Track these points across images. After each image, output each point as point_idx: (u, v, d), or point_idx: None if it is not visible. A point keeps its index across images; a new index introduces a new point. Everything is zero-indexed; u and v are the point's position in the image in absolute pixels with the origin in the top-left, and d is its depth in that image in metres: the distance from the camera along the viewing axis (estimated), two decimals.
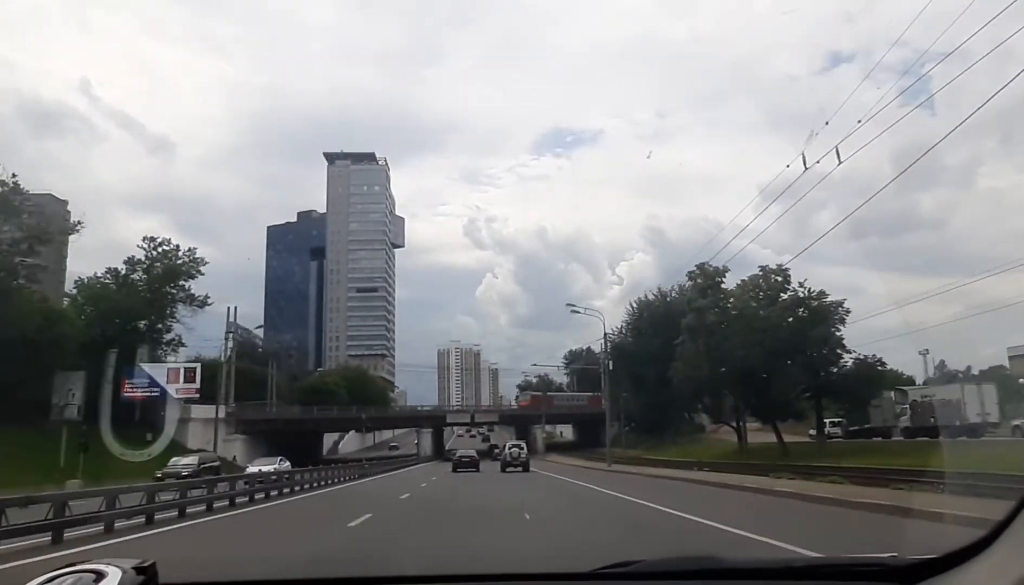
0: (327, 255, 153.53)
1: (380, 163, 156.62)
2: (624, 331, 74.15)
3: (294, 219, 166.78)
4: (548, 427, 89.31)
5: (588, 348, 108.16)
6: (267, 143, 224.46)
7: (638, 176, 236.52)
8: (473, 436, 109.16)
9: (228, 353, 50.21)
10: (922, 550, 1.70)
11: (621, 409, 67.84)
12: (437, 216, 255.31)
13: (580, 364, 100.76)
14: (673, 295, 63.32)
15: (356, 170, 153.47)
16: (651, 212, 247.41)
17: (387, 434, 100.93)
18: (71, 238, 52.19)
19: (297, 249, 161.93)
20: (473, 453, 52.22)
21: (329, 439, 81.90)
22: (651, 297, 70.96)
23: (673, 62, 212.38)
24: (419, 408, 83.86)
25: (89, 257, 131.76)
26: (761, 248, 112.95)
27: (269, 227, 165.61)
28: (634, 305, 72.21)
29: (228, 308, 51.50)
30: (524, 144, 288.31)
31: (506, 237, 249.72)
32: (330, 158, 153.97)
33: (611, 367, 59.18)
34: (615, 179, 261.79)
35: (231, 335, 50.10)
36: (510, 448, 45.61)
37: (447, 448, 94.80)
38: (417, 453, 70.27)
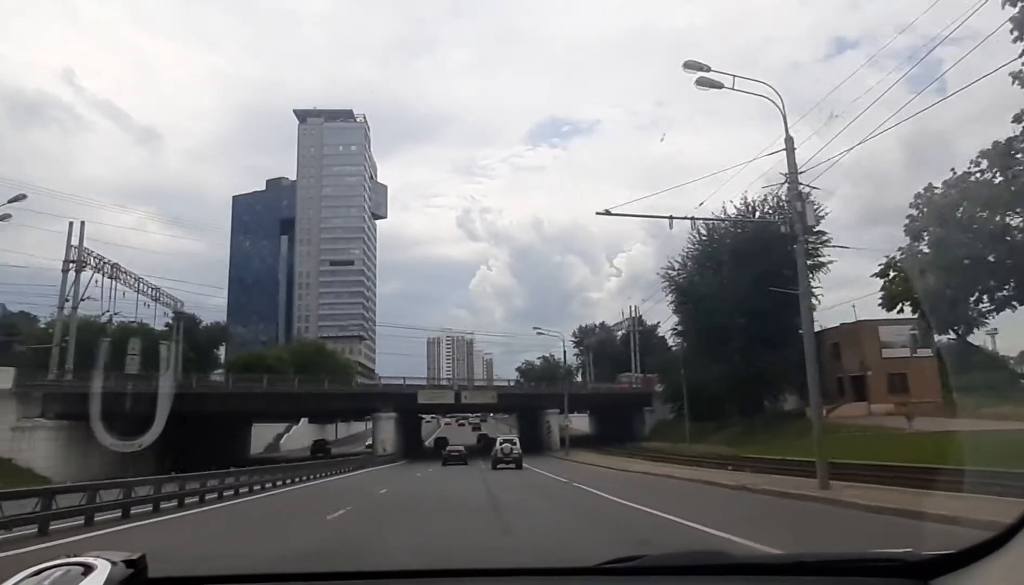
0: (297, 224, 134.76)
1: (358, 121, 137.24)
2: (686, 264, 53.61)
3: (262, 187, 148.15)
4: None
5: (602, 323, 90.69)
6: (257, 137, 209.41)
7: (636, 166, 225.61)
8: (462, 425, 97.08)
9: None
10: None
11: (683, 384, 48.87)
12: (430, 208, 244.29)
13: (594, 340, 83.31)
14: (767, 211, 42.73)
15: (330, 128, 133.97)
16: (650, 203, 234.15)
17: (360, 426, 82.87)
18: None
19: (265, 221, 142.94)
20: (461, 448, 49.97)
21: (269, 432, 64.21)
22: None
23: (672, 51, 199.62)
24: (378, 382, 58.06)
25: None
26: None
27: (234, 197, 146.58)
28: (701, 231, 50.56)
29: (70, 224, 33.30)
30: (519, 134, 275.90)
31: (501, 229, 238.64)
32: (301, 116, 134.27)
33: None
34: (613, 170, 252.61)
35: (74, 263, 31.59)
36: (501, 443, 42.56)
37: (433, 438, 78.84)
38: (372, 449, 50.68)
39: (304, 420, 64.58)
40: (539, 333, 62.31)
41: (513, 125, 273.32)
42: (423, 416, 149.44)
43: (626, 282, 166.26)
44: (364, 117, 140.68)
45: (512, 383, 71.98)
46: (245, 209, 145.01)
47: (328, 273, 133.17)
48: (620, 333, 79.36)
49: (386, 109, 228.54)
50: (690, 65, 17.17)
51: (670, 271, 54.79)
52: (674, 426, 64.38)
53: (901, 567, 1.65)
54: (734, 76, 17.18)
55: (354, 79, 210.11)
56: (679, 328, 59.60)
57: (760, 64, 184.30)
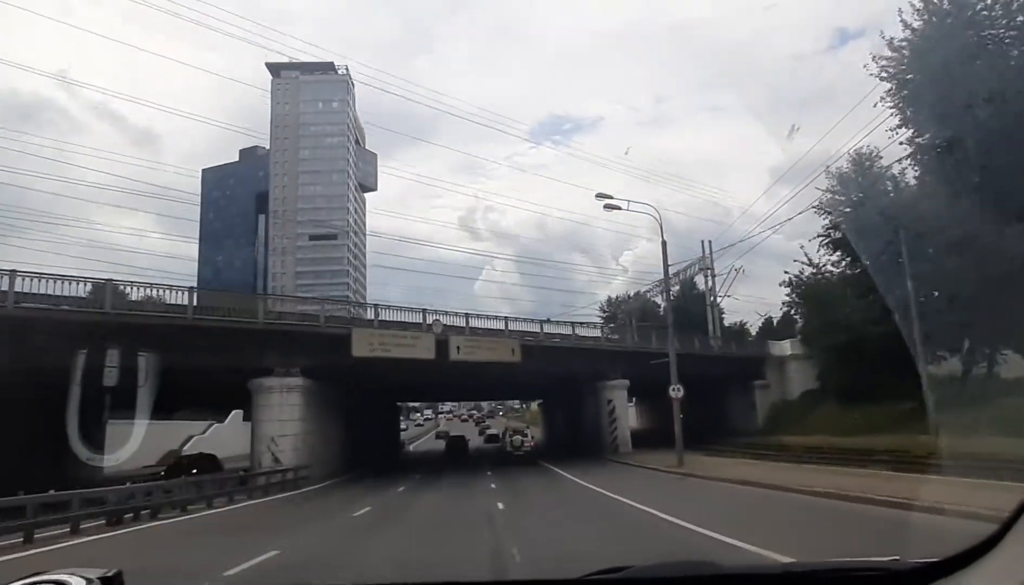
0: (271, 194, 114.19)
1: (340, 73, 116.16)
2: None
3: (235, 158, 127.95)
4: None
5: (636, 292, 68.64)
6: (256, 139, 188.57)
7: (639, 163, 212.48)
8: (465, 420, 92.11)
9: None
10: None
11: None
12: (432, 209, 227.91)
13: (634, 307, 61.64)
14: None
15: (308, 83, 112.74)
16: (654, 198, 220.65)
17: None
18: None
19: (239, 196, 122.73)
20: (463, 433, 50.40)
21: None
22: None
23: (673, 44, 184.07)
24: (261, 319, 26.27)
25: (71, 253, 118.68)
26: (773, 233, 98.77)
27: (204, 170, 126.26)
28: None
29: None
30: (521, 132, 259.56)
31: (505, 229, 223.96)
32: (274, 69, 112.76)
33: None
34: (616, 166, 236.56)
35: None
36: (511, 435, 42.87)
37: (434, 433, 68.79)
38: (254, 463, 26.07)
39: (232, 415, 42.05)
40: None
41: (515, 123, 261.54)
42: (416, 410, 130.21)
43: (632, 281, 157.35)
44: (347, 69, 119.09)
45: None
46: (217, 183, 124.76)
47: (309, 248, 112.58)
48: (658, 299, 58.08)
49: (385, 107, 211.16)
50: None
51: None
52: (806, 409, 42.69)
53: (886, 576, 1.67)
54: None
55: (354, 77, 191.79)
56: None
57: (761, 56, 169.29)
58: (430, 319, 29.85)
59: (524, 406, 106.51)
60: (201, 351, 22.51)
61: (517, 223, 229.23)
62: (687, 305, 52.34)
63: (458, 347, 29.88)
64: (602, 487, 20.33)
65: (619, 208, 26.86)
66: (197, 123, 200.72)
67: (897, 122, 26.78)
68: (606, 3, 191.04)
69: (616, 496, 17.32)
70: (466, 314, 31.47)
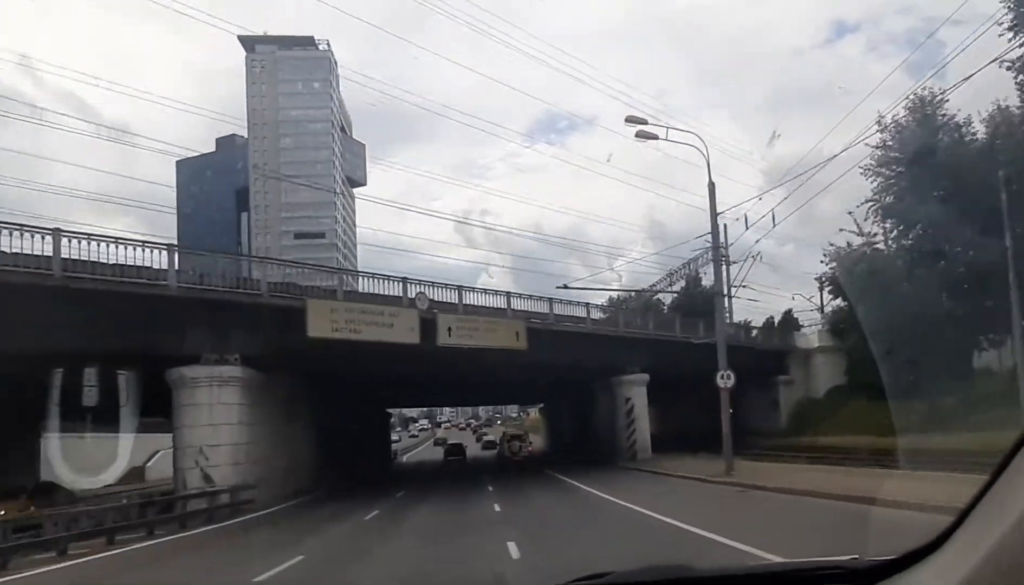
0: (251, 186, 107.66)
1: (321, 49, 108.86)
2: None
3: (212, 149, 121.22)
4: None
5: (641, 290, 62.40)
6: (234, 127, 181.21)
7: (635, 163, 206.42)
8: (463, 429, 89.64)
9: None
10: None
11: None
12: (425, 214, 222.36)
13: (637, 305, 55.29)
14: None
15: (287, 60, 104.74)
16: (650, 202, 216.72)
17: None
18: None
19: (217, 190, 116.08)
20: (460, 441, 51.16)
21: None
22: None
23: (669, 39, 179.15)
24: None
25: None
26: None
27: (179, 162, 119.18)
28: None
29: None
30: (516, 131, 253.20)
31: (500, 233, 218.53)
32: (248, 44, 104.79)
33: None
34: (612, 167, 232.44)
35: None
36: (509, 441, 41.00)
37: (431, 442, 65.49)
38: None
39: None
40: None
41: (510, 122, 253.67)
42: (414, 420, 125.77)
43: (627, 286, 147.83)
44: (328, 45, 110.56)
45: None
46: (193, 176, 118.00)
47: (294, 248, 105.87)
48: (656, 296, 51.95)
49: (376, 105, 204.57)
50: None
51: None
52: (834, 407, 37.81)
53: (846, 574, 1.70)
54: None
55: (341, 73, 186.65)
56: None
57: (758, 50, 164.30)
58: (413, 292, 23.61)
59: (523, 413, 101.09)
60: (82, 329, 16.14)
61: (512, 227, 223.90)
62: (692, 301, 46.29)
63: (449, 328, 23.67)
64: (651, 509, 14.44)
65: (655, 137, 21.18)
66: (175, 116, 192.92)
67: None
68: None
69: (685, 527, 11.36)
70: (458, 287, 25.26)
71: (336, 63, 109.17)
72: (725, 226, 48.90)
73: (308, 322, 20.00)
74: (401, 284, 23.62)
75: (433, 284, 24.47)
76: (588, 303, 31.06)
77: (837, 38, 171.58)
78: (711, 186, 21.74)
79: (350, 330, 20.90)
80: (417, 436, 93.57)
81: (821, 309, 45.31)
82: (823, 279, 42.52)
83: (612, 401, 33.90)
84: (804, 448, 31.30)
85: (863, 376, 34.04)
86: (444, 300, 24.66)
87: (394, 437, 65.31)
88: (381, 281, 23.54)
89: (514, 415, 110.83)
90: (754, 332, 42.20)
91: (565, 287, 23.30)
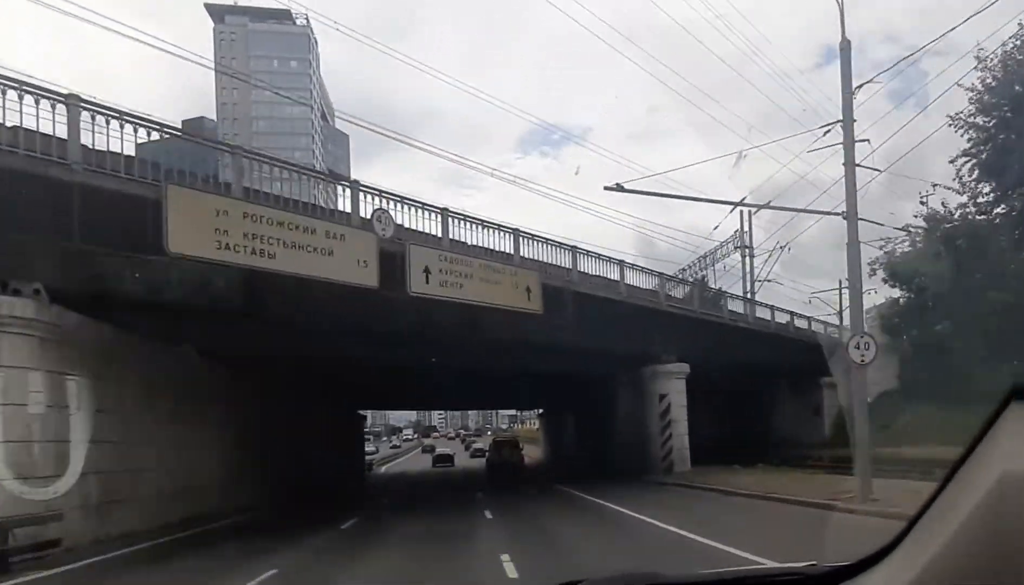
0: (220, 174, 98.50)
1: (300, 24, 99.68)
2: None
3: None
4: None
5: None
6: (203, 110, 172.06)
7: (631, 176, 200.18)
8: (452, 438, 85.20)
9: None
10: None
11: None
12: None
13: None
14: None
15: (260, 33, 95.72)
16: (642, 218, 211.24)
17: None
18: None
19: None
20: (449, 450, 50.92)
21: None
22: None
23: (664, 56, 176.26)
24: None
25: None
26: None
27: (139, 146, 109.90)
28: None
29: None
30: (508, 142, 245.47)
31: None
32: (216, 13, 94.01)
33: None
34: (605, 179, 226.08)
35: None
36: (500, 447, 34.50)
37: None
38: None
39: None
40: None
41: (502, 132, 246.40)
42: (401, 428, 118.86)
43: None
44: (307, 19, 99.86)
45: None
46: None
47: None
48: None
49: (363, 110, 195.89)
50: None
51: None
52: (890, 414, 30.14)
53: (803, 580, 1.70)
54: None
55: (326, 73, 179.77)
56: None
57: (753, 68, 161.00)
58: (368, 208, 15.31)
59: (513, 425, 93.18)
60: None
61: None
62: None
63: (427, 270, 15.43)
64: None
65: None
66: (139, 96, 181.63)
67: None
68: (598, 8, 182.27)
69: None
70: (443, 211, 16.78)
71: (316, 42, 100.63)
72: (746, 216, 41.66)
73: (167, 226, 11.73)
74: (349, 193, 15.28)
75: (403, 201, 16.07)
76: (623, 262, 22.68)
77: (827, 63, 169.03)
78: (845, 47, 13.76)
79: (251, 252, 12.66)
80: (399, 446, 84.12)
81: (840, 314, 37.70)
82: (876, 265, 34.58)
83: (640, 399, 25.76)
84: (899, 461, 23.75)
85: (931, 377, 28.25)
86: (421, 230, 16.32)
87: (370, 447, 56.57)
88: (315, 184, 15.20)
89: (504, 427, 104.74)
90: (794, 322, 33.96)
91: (619, 187, 14.71)
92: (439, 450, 54.67)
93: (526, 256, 18.70)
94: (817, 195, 61.49)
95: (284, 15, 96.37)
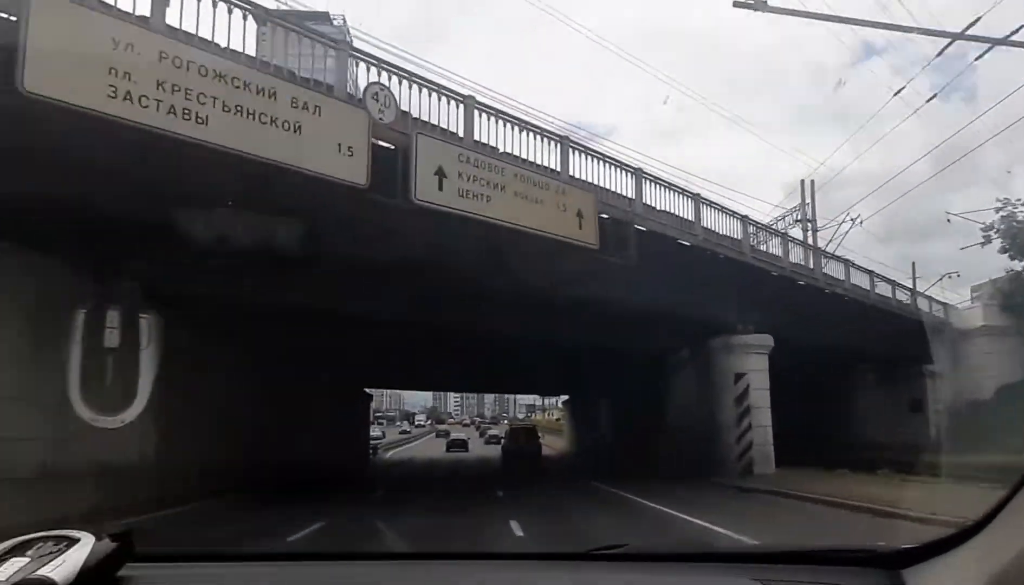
0: None
1: (336, 23, 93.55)
2: None
3: None
4: None
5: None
6: None
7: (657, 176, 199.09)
8: (467, 425, 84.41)
9: None
10: None
11: None
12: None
13: None
14: None
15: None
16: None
17: None
18: None
19: None
20: (464, 435, 50.90)
21: None
22: None
23: (692, 53, 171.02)
24: None
25: None
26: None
27: None
28: None
29: None
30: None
31: None
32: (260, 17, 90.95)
33: None
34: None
35: None
36: (516, 434, 33.28)
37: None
38: None
39: None
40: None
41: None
42: (415, 413, 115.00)
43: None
44: (344, 20, 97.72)
45: None
46: None
47: None
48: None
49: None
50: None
51: None
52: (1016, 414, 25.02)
53: (872, 558, 1.68)
54: None
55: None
56: None
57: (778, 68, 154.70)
58: (359, 81, 10.62)
59: (536, 410, 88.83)
60: None
61: None
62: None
63: (441, 172, 10.57)
64: None
65: None
66: None
67: None
68: (625, 7, 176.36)
69: None
70: (466, 99, 11.80)
71: (351, 35, 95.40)
72: (808, 186, 36.04)
73: (24, 45, 7.23)
74: (334, 58, 10.56)
75: (411, 79, 11.23)
76: (699, 196, 17.56)
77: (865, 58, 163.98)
78: None
79: (170, 110, 8.11)
80: (409, 432, 79.38)
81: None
82: (992, 232, 29.05)
83: (707, 379, 20.88)
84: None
85: None
86: (433, 122, 11.46)
87: (376, 431, 52.14)
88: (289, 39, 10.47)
89: (521, 416, 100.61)
90: (896, 294, 28.56)
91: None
92: (453, 435, 54.68)
93: (575, 176, 13.78)
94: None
95: (322, 17, 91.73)
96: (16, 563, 1.29)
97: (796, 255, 22.36)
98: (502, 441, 38.27)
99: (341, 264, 11.56)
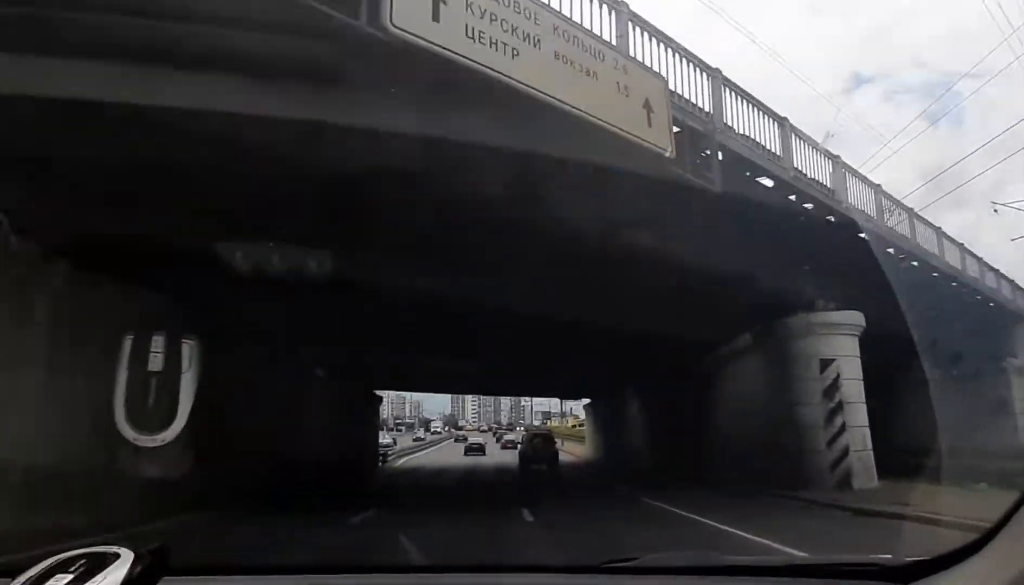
0: None
1: None
2: None
3: None
4: None
5: None
6: None
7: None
8: (485, 431, 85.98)
9: None
10: None
11: None
12: None
13: None
14: None
15: None
16: None
17: None
18: None
19: None
20: (481, 440, 53.25)
21: None
22: None
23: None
24: None
25: None
26: None
27: None
28: None
29: None
30: None
31: None
32: None
33: None
34: None
35: None
36: (532, 439, 32.47)
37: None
38: None
39: None
40: None
41: None
42: (432, 419, 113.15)
43: None
44: None
45: None
46: None
47: None
48: None
49: None
50: None
51: None
52: None
53: (881, 571, 1.67)
54: None
55: None
56: None
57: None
58: None
59: (552, 417, 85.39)
60: None
61: None
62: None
63: None
64: None
65: None
66: None
67: None
68: None
69: None
70: None
71: None
72: None
73: None
74: None
75: None
76: (786, 121, 13.29)
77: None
78: None
79: None
80: (423, 439, 75.02)
81: None
82: None
83: (781, 369, 16.66)
84: None
85: None
86: None
87: (387, 439, 48.12)
88: None
89: (537, 422, 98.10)
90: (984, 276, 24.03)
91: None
92: (471, 440, 55.98)
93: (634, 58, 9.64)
94: None
95: None
96: (61, 579, 1.35)
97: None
98: (519, 446, 37.07)
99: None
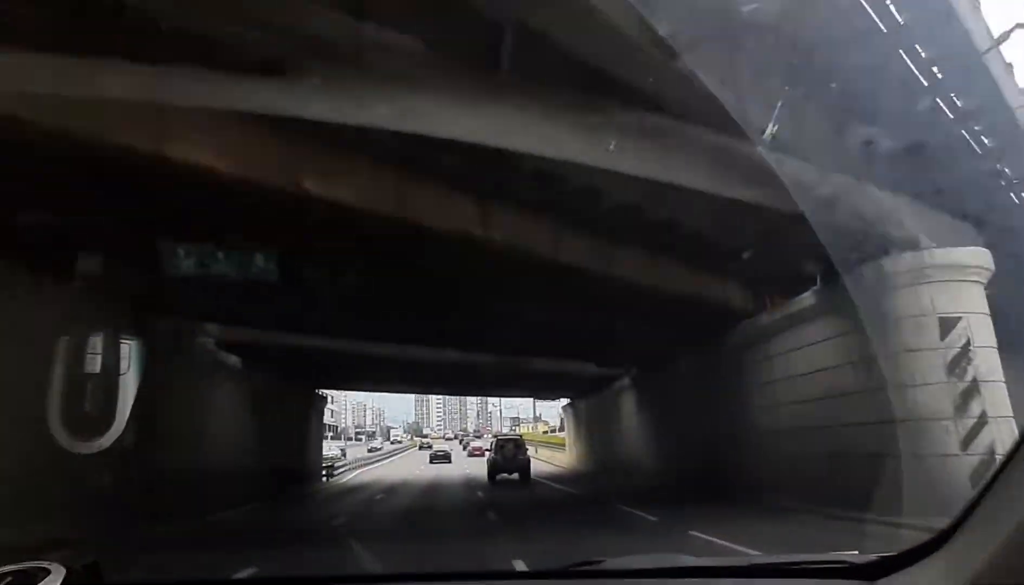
0: None
1: None
2: None
3: None
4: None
5: None
6: None
7: None
8: (450, 439, 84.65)
9: None
10: None
11: None
12: None
13: None
14: None
15: None
16: None
17: None
18: None
19: None
20: (447, 448, 53.48)
21: None
22: None
23: None
24: None
25: None
26: None
27: None
28: None
29: None
30: None
31: None
32: None
33: None
34: None
35: None
36: (501, 445, 28.66)
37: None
38: None
39: None
40: None
41: None
42: (393, 428, 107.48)
43: None
44: None
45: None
46: None
47: None
48: None
49: None
50: None
51: None
52: None
53: (847, 569, 1.66)
54: None
55: None
56: None
57: None
58: None
59: (523, 421, 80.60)
60: None
61: None
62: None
63: None
64: None
65: None
66: None
67: None
68: None
69: None
70: None
71: None
72: None
73: None
74: None
75: None
76: None
77: None
78: None
79: None
80: (379, 448, 68.15)
81: None
82: None
83: (867, 335, 11.49)
84: None
85: None
86: None
87: (333, 450, 42.05)
88: None
89: (506, 429, 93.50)
90: None
91: None
92: (436, 448, 54.81)
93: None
94: None
95: None
96: None
97: None
98: (487, 454, 32.46)
99: None
